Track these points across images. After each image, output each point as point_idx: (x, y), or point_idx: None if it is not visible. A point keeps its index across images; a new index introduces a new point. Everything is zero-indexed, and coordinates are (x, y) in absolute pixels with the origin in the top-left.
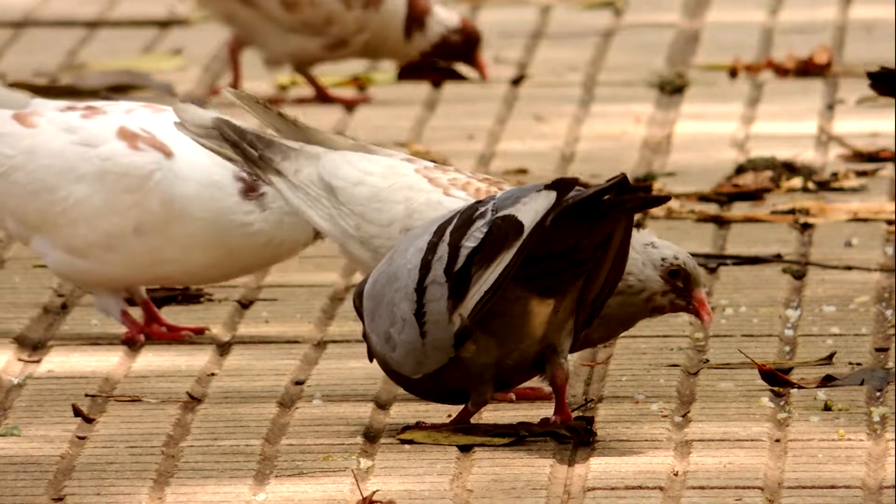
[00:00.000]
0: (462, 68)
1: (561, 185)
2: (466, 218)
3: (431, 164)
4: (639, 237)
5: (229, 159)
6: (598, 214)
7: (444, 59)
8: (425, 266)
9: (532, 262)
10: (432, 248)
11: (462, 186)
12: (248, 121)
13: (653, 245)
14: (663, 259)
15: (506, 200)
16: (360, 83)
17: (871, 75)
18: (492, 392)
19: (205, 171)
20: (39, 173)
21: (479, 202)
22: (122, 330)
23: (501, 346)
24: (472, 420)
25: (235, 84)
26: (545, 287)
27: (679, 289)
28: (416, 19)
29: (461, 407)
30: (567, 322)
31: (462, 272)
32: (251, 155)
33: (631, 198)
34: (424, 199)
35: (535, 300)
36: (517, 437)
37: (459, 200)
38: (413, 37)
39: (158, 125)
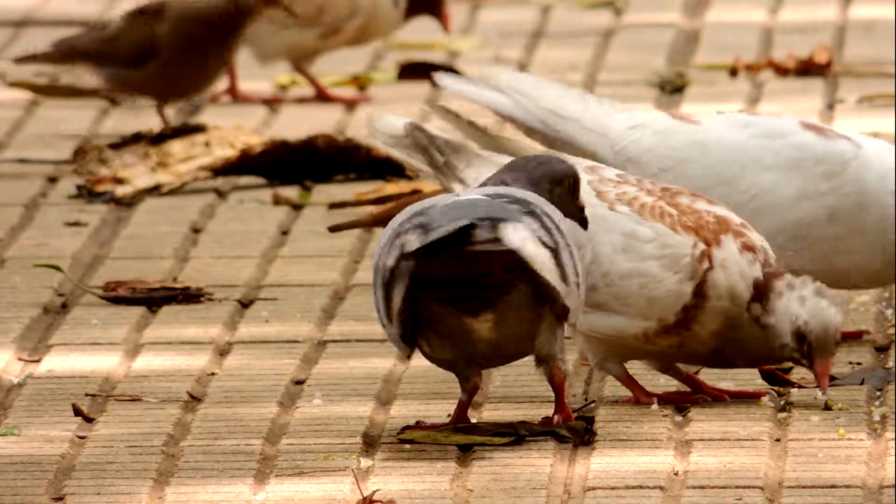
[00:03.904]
0: (463, 67)
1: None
2: (398, 229)
3: (611, 175)
4: (804, 283)
5: (417, 170)
6: (464, 253)
7: (417, 11)
8: (375, 266)
9: (439, 286)
10: (385, 249)
11: (629, 202)
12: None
13: (803, 300)
14: (797, 318)
15: (434, 218)
16: (360, 83)
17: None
18: (479, 376)
19: (890, 163)
20: (716, 167)
21: (419, 212)
22: (122, 330)
23: (456, 349)
24: (473, 420)
25: (233, 87)
26: (467, 307)
27: (803, 352)
28: None
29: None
30: (539, 326)
31: (388, 286)
32: (437, 160)
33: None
34: (590, 213)
35: (465, 317)
36: (517, 436)
37: (623, 216)
38: (398, 1)
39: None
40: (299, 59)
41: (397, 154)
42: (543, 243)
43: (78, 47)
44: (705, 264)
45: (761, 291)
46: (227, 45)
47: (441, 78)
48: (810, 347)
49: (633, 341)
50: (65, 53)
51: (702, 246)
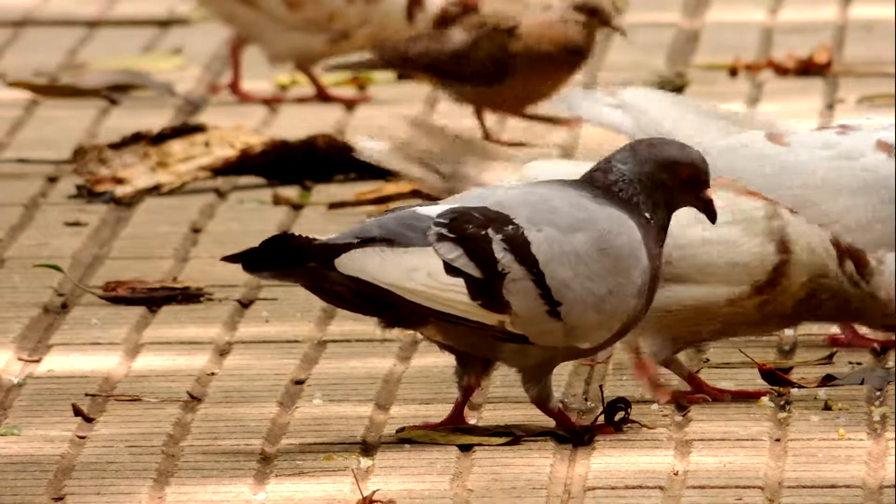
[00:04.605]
0: None
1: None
2: None
3: None
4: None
5: (419, 179)
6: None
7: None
8: None
9: (340, 300)
10: None
11: None
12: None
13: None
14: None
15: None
16: (360, 82)
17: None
18: (474, 377)
19: None
20: (797, 191)
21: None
22: (122, 330)
23: (441, 347)
24: (472, 420)
25: (235, 83)
26: (388, 322)
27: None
28: (416, 2)
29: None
30: (498, 345)
31: None
32: (443, 171)
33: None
34: None
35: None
36: (514, 436)
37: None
38: (415, 18)
39: None
40: (307, 61)
41: (393, 165)
42: (458, 270)
43: (413, 56)
44: (777, 220)
45: (844, 253)
46: (568, 71)
47: (569, 97)
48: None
49: (716, 309)
50: (392, 61)
51: (769, 206)
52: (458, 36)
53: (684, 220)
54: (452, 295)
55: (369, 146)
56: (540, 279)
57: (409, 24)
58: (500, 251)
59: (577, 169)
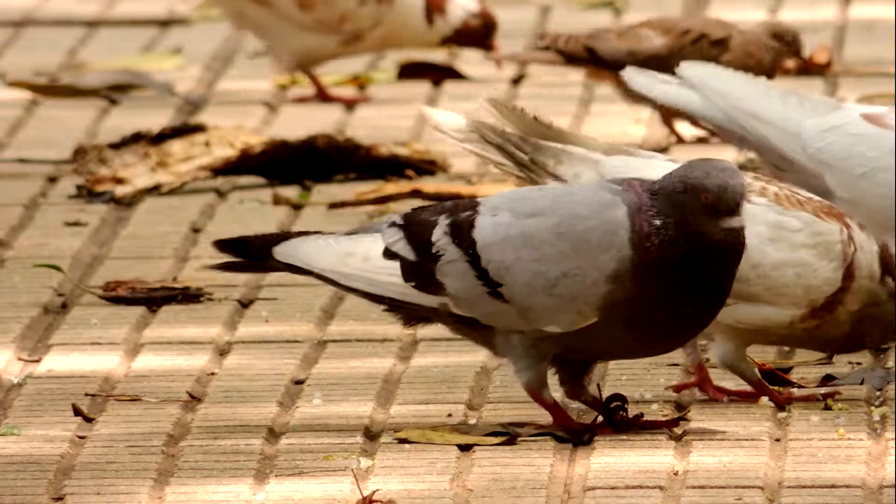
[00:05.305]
0: (463, 68)
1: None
2: None
3: None
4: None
5: (496, 163)
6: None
7: (463, 44)
8: None
9: None
10: None
11: (760, 191)
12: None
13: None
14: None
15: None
16: (360, 82)
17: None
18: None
19: None
20: None
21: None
22: (122, 330)
23: None
24: (472, 420)
25: (321, 89)
26: (405, 319)
27: None
28: (436, 6)
29: (461, 404)
30: (484, 334)
31: None
32: (520, 158)
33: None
34: None
35: None
36: (513, 436)
37: (763, 207)
38: (435, 23)
39: None
40: (319, 62)
41: (469, 147)
42: (394, 254)
43: (603, 53)
44: (851, 247)
45: (887, 263)
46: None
47: (628, 73)
48: None
49: (777, 329)
50: (575, 55)
51: (846, 230)
52: (654, 40)
53: (757, 240)
54: (386, 278)
55: (445, 121)
56: (475, 261)
57: (428, 29)
58: (438, 234)
59: (652, 166)
